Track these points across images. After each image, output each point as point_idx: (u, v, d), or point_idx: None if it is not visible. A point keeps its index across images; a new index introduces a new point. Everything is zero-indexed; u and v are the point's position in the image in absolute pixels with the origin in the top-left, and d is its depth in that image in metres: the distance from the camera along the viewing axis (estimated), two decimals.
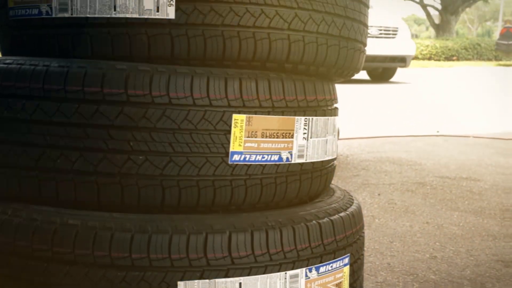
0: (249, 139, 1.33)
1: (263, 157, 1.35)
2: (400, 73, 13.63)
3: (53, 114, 1.27)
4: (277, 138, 1.36)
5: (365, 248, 2.12)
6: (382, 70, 12.95)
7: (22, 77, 1.31)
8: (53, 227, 1.25)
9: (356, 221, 1.52)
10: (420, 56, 21.87)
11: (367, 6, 1.62)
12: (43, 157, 1.29)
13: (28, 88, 1.29)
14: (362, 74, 13.13)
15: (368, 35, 1.81)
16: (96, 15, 1.32)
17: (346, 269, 1.46)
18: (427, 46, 22.41)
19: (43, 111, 1.28)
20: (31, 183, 1.31)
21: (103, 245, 1.22)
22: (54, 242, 1.24)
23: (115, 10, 1.31)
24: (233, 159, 1.32)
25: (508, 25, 19.97)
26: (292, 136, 1.39)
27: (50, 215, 1.27)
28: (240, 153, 1.32)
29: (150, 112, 1.26)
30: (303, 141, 1.41)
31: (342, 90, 3.24)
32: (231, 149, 1.31)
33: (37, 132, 1.29)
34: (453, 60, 22.16)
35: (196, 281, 1.24)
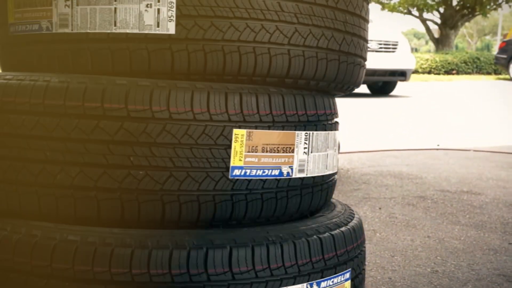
0: (250, 154, 1.32)
1: (263, 172, 1.35)
2: (400, 87, 13.65)
3: (53, 129, 1.27)
4: (277, 152, 1.36)
5: (366, 263, 2.11)
6: (382, 84, 12.97)
7: (22, 92, 1.31)
8: (52, 243, 1.24)
9: (357, 235, 1.51)
10: (420, 70, 21.89)
11: (367, 21, 1.62)
12: (43, 173, 1.29)
13: (28, 103, 1.29)
14: (363, 88, 13.15)
15: (368, 49, 1.82)
16: (97, 31, 1.32)
17: (348, 284, 1.45)
18: (427, 60, 22.43)
19: (43, 127, 1.28)
20: (31, 198, 1.31)
21: (103, 261, 1.22)
22: (54, 258, 1.23)
23: (115, 25, 1.31)
24: (234, 174, 1.31)
25: (507, 39, 19.99)
26: (292, 151, 1.38)
27: (49, 231, 1.27)
28: (241, 167, 1.32)
29: (150, 127, 1.26)
30: (303, 156, 1.41)
31: (342, 104, 3.24)
32: (231, 164, 1.31)
33: (37, 147, 1.29)
34: (453, 74, 22.16)
35: None
